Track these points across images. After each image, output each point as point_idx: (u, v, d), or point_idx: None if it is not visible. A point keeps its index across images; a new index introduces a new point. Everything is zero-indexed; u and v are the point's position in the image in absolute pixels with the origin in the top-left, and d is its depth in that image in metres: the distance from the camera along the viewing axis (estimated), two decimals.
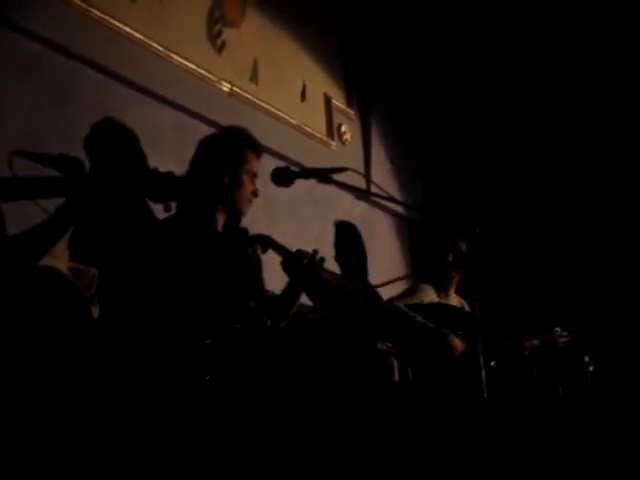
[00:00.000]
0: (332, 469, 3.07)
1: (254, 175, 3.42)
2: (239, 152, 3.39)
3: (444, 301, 5.04)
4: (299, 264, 3.46)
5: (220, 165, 3.34)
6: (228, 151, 3.38)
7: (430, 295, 4.99)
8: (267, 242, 3.59)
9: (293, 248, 3.56)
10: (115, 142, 3.66)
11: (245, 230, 3.58)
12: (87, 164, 2.52)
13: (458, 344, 4.64)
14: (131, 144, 3.69)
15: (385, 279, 6.66)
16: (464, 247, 4.54)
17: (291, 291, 3.58)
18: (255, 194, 3.42)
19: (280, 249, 3.55)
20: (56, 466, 2.66)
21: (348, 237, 5.21)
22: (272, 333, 3.43)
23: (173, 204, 2.97)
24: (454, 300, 5.11)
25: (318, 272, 3.54)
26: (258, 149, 3.47)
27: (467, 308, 5.11)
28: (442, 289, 5.07)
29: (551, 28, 7.46)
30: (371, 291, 5.15)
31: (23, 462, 2.55)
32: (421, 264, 5.75)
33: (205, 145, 3.44)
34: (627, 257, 6.91)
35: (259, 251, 3.62)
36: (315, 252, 3.52)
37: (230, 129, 3.62)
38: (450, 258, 4.98)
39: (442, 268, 5.02)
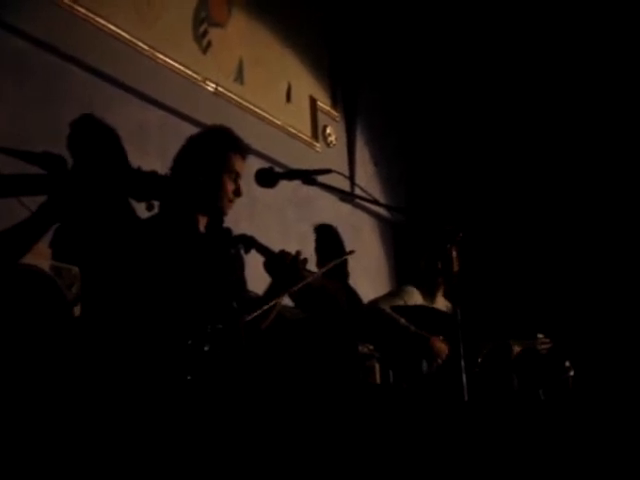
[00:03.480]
0: (312, 470, 3.07)
1: (237, 175, 3.41)
2: (222, 153, 3.39)
3: (430, 304, 5.04)
4: (282, 265, 3.46)
5: (201, 165, 3.34)
6: (211, 152, 3.38)
7: (415, 297, 4.98)
8: (250, 242, 3.59)
9: (277, 249, 3.56)
10: (96, 139, 3.65)
11: (229, 230, 3.57)
12: (70, 162, 2.51)
13: (441, 348, 4.65)
14: (112, 141, 3.68)
15: (369, 281, 6.68)
16: (450, 252, 4.56)
17: (273, 292, 3.57)
18: (237, 193, 3.41)
19: (263, 249, 3.55)
20: (32, 463, 2.65)
21: (328, 240, 5.21)
22: (253, 334, 3.43)
23: (156, 203, 2.96)
24: (441, 303, 5.11)
25: (301, 273, 3.54)
26: (243, 150, 3.46)
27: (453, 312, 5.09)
28: (428, 293, 5.07)
29: (535, 29, 7.48)
30: (352, 293, 5.15)
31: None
32: (408, 267, 5.75)
33: (189, 144, 3.44)
34: (609, 264, 6.94)
35: (242, 251, 3.62)
36: (298, 253, 3.52)
37: (215, 128, 3.61)
38: (439, 266, 4.99)
39: (431, 273, 5.03)
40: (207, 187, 3.32)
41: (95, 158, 3.57)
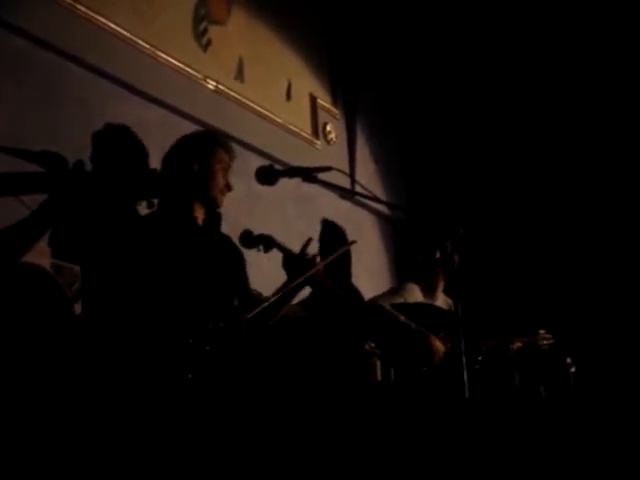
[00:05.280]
0: (314, 468, 3.07)
1: (226, 168, 3.46)
2: (210, 146, 3.45)
3: (430, 301, 5.03)
4: (302, 263, 3.52)
5: (192, 156, 3.40)
6: (199, 145, 3.45)
7: (415, 294, 4.98)
8: (270, 242, 3.65)
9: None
10: (124, 154, 3.68)
11: (249, 231, 3.63)
12: (71, 159, 2.50)
13: (439, 346, 4.64)
14: (140, 159, 3.71)
15: (369, 278, 6.67)
16: (450, 247, 4.55)
17: (286, 291, 3.60)
18: (229, 188, 3.45)
19: (283, 249, 3.60)
20: (32, 462, 2.65)
21: (334, 235, 5.21)
22: (259, 330, 3.44)
23: (155, 201, 2.97)
24: (441, 300, 5.11)
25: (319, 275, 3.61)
26: (228, 147, 3.52)
27: (454, 308, 5.09)
28: (428, 288, 5.06)
29: (535, 29, 7.49)
30: (354, 291, 5.15)
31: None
32: (407, 264, 5.75)
33: (178, 143, 3.50)
34: (611, 260, 6.93)
35: (262, 250, 3.67)
36: (309, 242, 3.60)
37: (203, 130, 3.71)
38: (437, 256, 4.98)
39: (429, 267, 5.02)
40: (201, 174, 3.37)
41: (115, 166, 3.60)
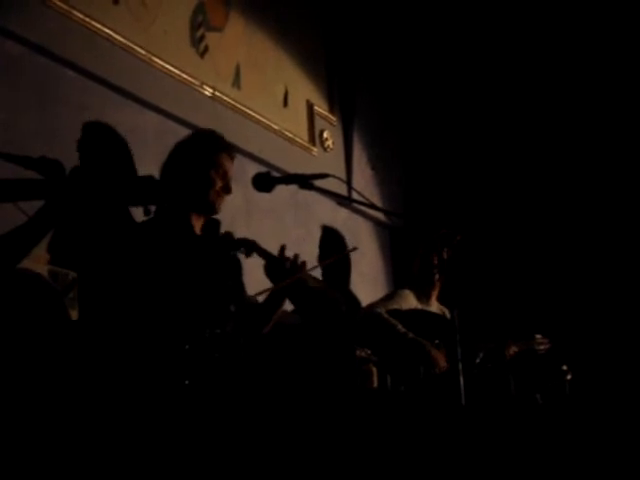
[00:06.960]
0: (310, 475, 3.07)
1: (224, 172, 3.43)
2: (206, 152, 3.43)
3: (424, 307, 5.02)
4: (282, 269, 3.47)
5: (188, 164, 3.38)
6: (195, 151, 3.42)
7: (410, 301, 4.98)
8: (252, 246, 3.59)
9: (276, 254, 3.57)
10: (106, 148, 3.66)
11: (230, 234, 3.58)
12: (68, 166, 2.50)
13: (438, 355, 4.63)
14: (121, 151, 3.70)
15: (366, 285, 6.67)
16: (445, 253, 4.55)
17: (275, 297, 3.57)
18: (226, 190, 3.43)
19: (264, 254, 3.55)
20: (27, 468, 2.65)
21: (333, 242, 5.23)
22: (252, 339, 3.43)
23: (152, 208, 2.96)
24: (435, 306, 5.10)
25: (302, 276, 3.55)
26: (227, 148, 3.49)
27: (448, 315, 5.09)
28: (423, 295, 5.06)
29: (535, 30, 7.49)
30: (351, 298, 5.15)
31: None
32: (403, 270, 5.75)
33: (175, 149, 3.48)
34: (608, 266, 6.94)
35: (243, 255, 3.62)
36: (296, 256, 3.53)
37: (199, 131, 3.67)
38: (434, 262, 4.97)
39: (426, 273, 5.02)
40: (195, 183, 3.35)
41: (102, 165, 3.58)
